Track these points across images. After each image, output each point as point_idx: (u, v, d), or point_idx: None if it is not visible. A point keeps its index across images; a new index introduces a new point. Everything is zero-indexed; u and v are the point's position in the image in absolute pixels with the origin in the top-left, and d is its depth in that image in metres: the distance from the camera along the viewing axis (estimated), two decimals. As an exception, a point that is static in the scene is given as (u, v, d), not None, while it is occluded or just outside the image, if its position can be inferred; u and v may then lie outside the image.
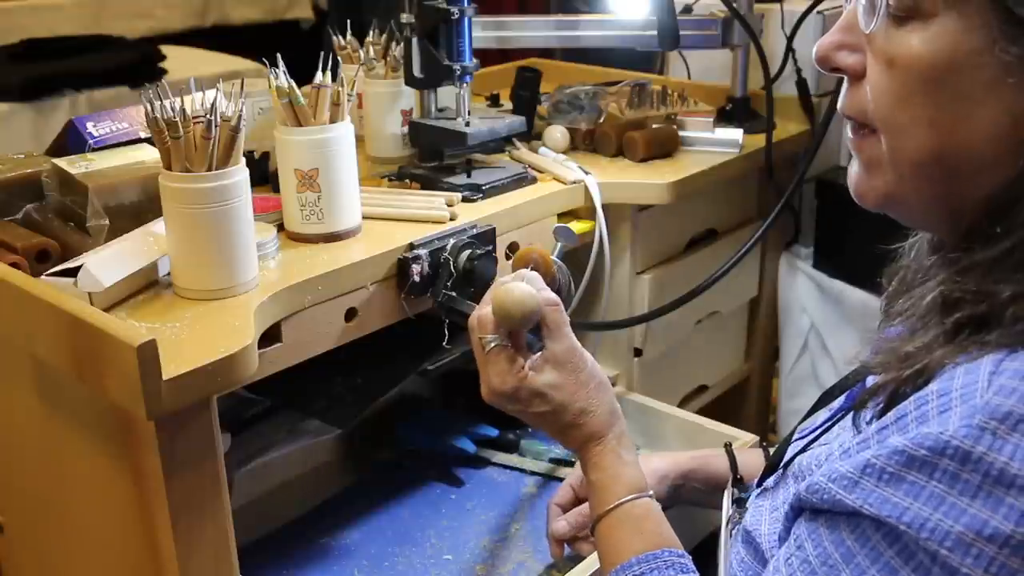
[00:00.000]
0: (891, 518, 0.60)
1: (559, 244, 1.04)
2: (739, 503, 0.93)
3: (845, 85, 0.72)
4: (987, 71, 0.63)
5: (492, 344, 0.93)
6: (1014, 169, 0.64)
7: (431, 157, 1.38)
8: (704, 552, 0.88)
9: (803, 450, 0.83)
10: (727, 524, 0.90)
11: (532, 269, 1.02)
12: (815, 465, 0.76)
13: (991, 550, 0.56)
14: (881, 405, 0.66)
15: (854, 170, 0.74)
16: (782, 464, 0.86)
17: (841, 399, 0.86)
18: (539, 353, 0.94)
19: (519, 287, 0.93)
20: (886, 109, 0.68)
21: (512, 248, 1.26)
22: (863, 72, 0.69)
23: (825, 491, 0.64)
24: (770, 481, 0.87)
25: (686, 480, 1.08)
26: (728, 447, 1.09)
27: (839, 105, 0.73)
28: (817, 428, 0.85)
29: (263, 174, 1.27)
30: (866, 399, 0.69)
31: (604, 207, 1.35)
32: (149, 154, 1.12)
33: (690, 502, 1.09)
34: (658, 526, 0.89)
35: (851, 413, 0.78)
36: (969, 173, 0.66)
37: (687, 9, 1.69)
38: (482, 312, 0.95)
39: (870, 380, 0.80)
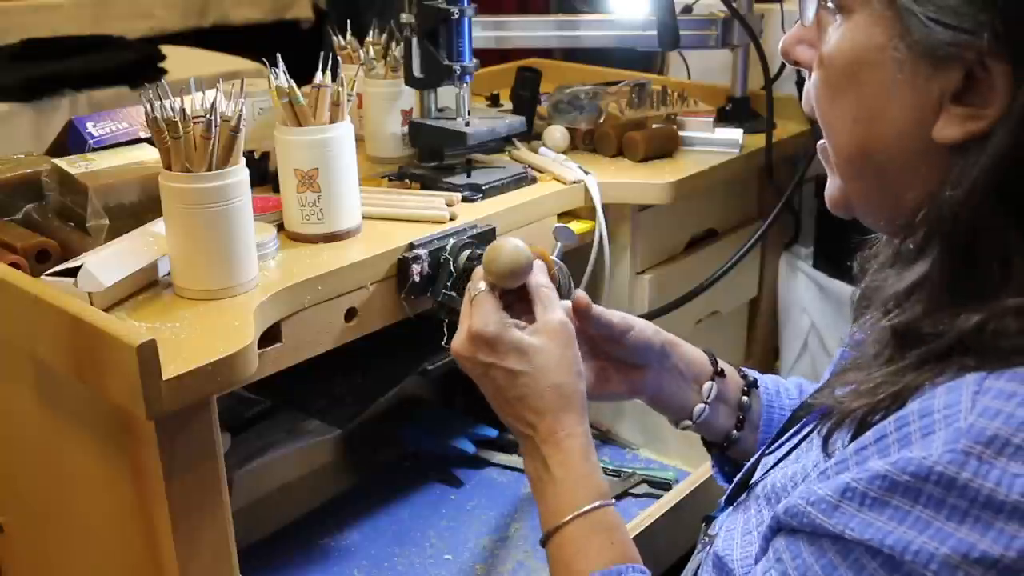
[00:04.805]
0: (873, 541, 0.58)
1: (559, 244, 1.03)
2: (707, 522, 0.89)
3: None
4: (887, 67, 0.63)
5: (480, 289, 0.89)
6: (936, 179, 0.63)
7: (431, 157, 1.38)
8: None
9: (771, 468, 0.81)
10: (700, 549, 0.87)
11: None
12: (789, 485, 0.73)
13: (978, 572, 0.55)
14: (851, 433, 0.64)
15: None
16: (751, 483, 0.84)
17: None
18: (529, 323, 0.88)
19: (510, 242, 0.90)
20: (819, 105, 0.69)
21: (512, 248, 1.25)
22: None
23: (804, 514, 0.63)
24: (740, 500, 0.84)
25: (672, 350, 1.02)
26: (709, 352, 1.05)
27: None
28: (782, 445, 0.83)
29: (263, 174, 1.27)
30: (833, 429, 0.66)
31: (604, 207, 1.35)
32: (149, 154, 1.12)
33: (667, 394, 1.01)
34: (629, 538, 0.84)
35: (817, 434, 0.76)
36: (895, 172, 0.66)
37: (687, 9, 1.69)
38: (476, 268, 0.92)
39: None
